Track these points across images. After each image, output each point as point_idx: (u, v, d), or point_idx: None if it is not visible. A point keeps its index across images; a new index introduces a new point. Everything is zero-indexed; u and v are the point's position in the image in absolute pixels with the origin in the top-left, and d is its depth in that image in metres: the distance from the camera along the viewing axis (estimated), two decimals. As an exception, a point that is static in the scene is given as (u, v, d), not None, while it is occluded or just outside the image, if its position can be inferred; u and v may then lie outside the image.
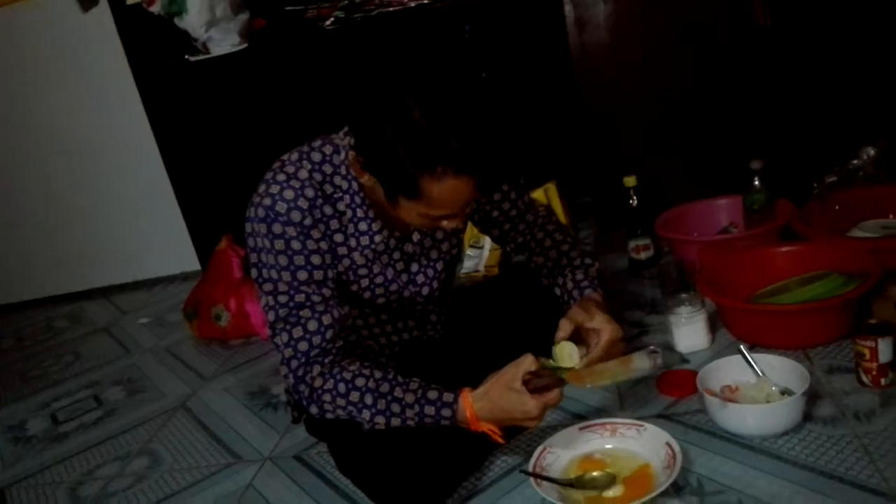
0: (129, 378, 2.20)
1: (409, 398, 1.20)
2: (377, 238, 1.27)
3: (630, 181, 2.06)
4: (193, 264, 3.00)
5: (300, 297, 1.21)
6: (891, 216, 1.85)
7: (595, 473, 1.22)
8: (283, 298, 1.21)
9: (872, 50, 2.05)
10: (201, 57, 2.57)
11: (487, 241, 2.27)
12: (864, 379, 1.32)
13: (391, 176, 1.11)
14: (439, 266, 1.39)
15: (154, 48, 2.66)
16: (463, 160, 1.06)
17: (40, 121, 2.93)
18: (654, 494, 1.13)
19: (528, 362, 1.18)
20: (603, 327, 1.27)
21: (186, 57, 2.59)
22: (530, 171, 1.51)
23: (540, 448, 1.27)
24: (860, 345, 1.31)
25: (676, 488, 1.17)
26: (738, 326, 1.59)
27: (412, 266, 1.36)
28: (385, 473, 1.22)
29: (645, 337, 1.71)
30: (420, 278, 1.37)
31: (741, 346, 1.38)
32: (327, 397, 1.22)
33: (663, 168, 2.28)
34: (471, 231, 2.22)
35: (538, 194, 2.24)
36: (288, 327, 1.21)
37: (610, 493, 1.18)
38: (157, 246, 3.06)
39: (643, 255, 2.08)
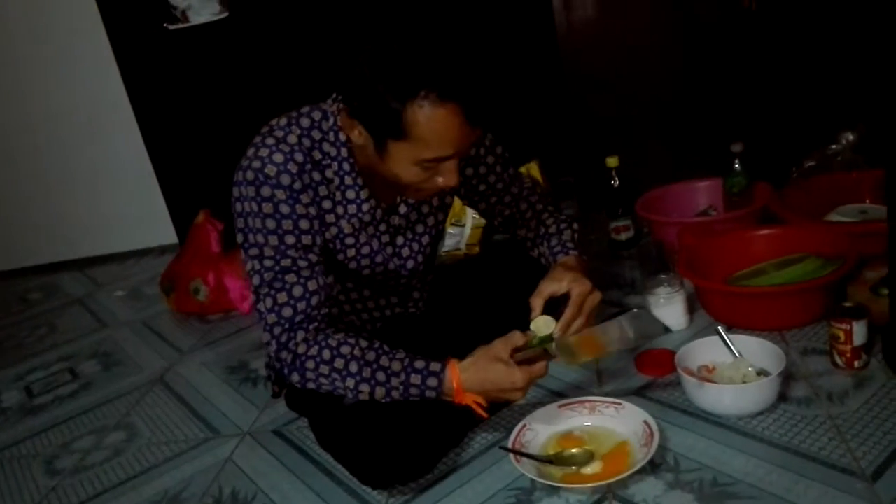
0: (105, 351, 2.18)
1: (396, 366, 1.19)
2: (364, 207, 1.26)
3: (612, 161, 2.06)
4: (170, 237, 2.97)
5: (286, 262, 1.19)
6: (867, 201, 1.87)
7: (573, 450, 1.24)
8: (268, 263, 1.20)
9: (854, 37, 2.07)
10: (180, 26, 2.52)
11: (469, 220, 2.27)
12: (839, 361, 1.35)
13: (377, 117, 1.09)
14: (425, 240, 1.39)
15: (132, 17, 2.61)
16: (445, 83, 1.05)
17: (13, 89, 2.86)
18: (631, 471, 1.14)
19: (515, 337, 1.20)
20: (570, 287, 1.27)
21: (165, 25, 2.54)
22: (513, 150, 1.50)
23: (519, 425, 1.29)
24: (835, 327, 1.33)
25: (653, 466, 1.19)
26: (716, 307, 1.61)
27: (398, 239, 1.36)
28: (365, 449, 1.22)
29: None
30: (405, 252, 1.37)
31: (719, 327, 1.40)
32: (310, 364, 1.20)
33: (645, 149, 2.29)
34: (452, 209, 2.21)
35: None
36: (272, 292, 1.20)
37: (588, 469, 1.20)
38: (133, 218, 3.02)
39: (623, 236, 2.09)
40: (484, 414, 1.21)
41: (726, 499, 1.10)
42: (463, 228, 2.27)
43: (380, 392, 1.19)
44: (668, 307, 1.60)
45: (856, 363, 1.33)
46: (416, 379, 1.18)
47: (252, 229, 1.20)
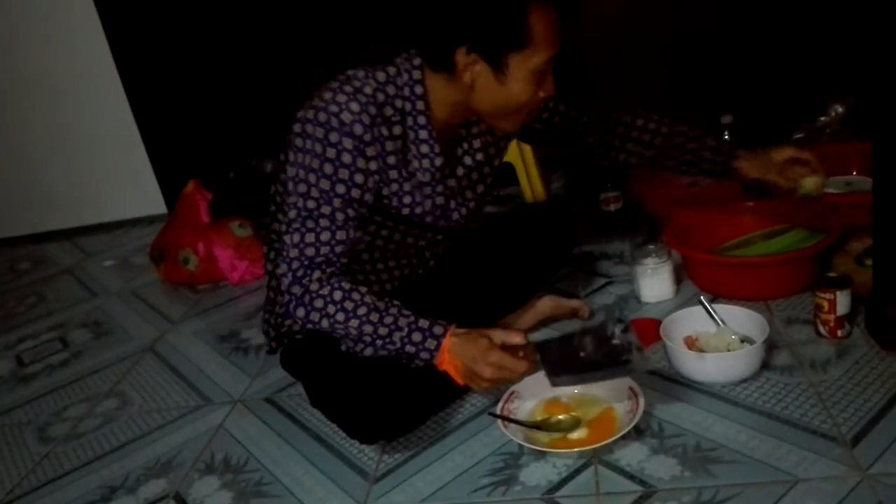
0: (96, 321, 2.19)
1: (402, 322, 1.23)
2: (437, 162, 1.29)
3: (602, 132, 2.06)
4: (159, 207, 2.96)
5: (326, 209, 1.22)
6: (854, 173, 1.89)
7: (560, 416, 1.26)
8: (311, 204, 1.22)
9: (845, 9, 2.07)
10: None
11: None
12: (822, 330, 1.37)
13: (503, 32, 1.15)
14: (472, 205, 1.43)
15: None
16: None
17: (-3, 58, 2.83)
18: (616, 437, 1.17)
19: (516, 336, 1.25)
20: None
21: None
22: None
23: (507, 392, 1.31)
24: (819, 297, 1.35)
25: (638, 431, 1.22)
26: (703, 278, 1.63)
27: (450, 202, 1.39)
28: (355, 402, 1.25)
29: (611, 287, 1.74)
30: (455, 215, 1.41)
31: (701, 297, 1.41)
32: (319, 303, 1.22)
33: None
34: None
35: (511, 144, 2.24)
36: (303, 230, 1.22)
37: (574, 435, 1.22)
38: (121, 188, 3.00)
39: (612, 207, 2.10)
40: (459, 379, 1.24)
41: (709, 463, 1.12)
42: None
43: (382, 331, 1.22)
44: (655, 277, 1.62)
45: (839, 332, 1.36)
46: (417, 337, 1.22)
47: (307, 167, 1.21)
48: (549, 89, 1.25)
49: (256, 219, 2.42)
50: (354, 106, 1.20)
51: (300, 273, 1.23)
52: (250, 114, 2.64)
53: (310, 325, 1.25)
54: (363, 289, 1.25)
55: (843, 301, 1.34)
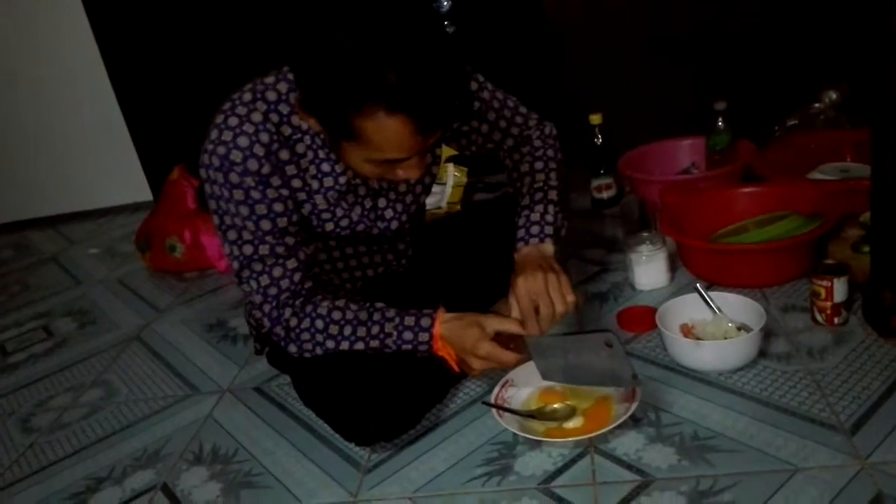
0: (80, 309, 2.15)
1: (388, 328, 1.20)
2: (342, 179, 1.21)
3: (596, 119, 2.04)
4: (145, 194, 2.92)
5: (264, 249, 1.17)
6: (848, 160, 1.88)
7: (555, 405, 1.24)
8: (247, 249, 1.17)
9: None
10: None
11: (450, 178, 2.25)
12: (819, 318, 1.36)
13: (327, 117, 1.04)
14: (408, 199, 1.34)
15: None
16: (395, 97, 0.96)
17: (-21, 41, 2.77)
18: (612, 426, 1.15)
19: (511, 324, 1.18)
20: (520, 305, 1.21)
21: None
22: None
23: (502, 381, 1.29)
24: (816, 284, 1.34)
25: (635, 420, 1.20)
26: (698, 265, 1.61)
27: (379, 201, 1.31)
28: (348, 405, 1.22)
29: (605, 275, 1.72)
30: (388, 213, 1.33)
31: (697, 285, 1.40)
32: (306, 336, 1.21)
33: (628, 107, 2.27)
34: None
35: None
36: (255, 275, 1.19)
37: (570, 424, 1.20)
38: (106, 175, 2.95)
39: (605, 195, 2.09)
40: (455, 367, 1.21)
41: (707, 452, 1.11)
42: (444, 187, 2.25)
43: (374, 344, 1.21)
44: (650, 265, 1.60)
45: (836, 320, 1.34)
46: (408, 335, 1.20)
47: (227, 213, 1.16)
48: (411, 174, 1.11)
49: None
50: (242, 140, 1.10)
51: (274, 315, 1.21)
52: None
53: (308, 356, 1.23)
54: (340, 302, 1.22)
55: (840, 288, 1.32)
